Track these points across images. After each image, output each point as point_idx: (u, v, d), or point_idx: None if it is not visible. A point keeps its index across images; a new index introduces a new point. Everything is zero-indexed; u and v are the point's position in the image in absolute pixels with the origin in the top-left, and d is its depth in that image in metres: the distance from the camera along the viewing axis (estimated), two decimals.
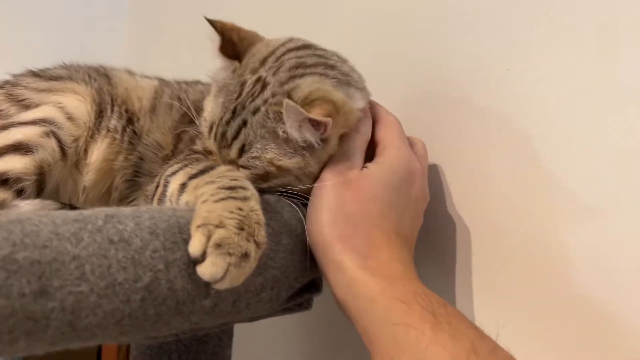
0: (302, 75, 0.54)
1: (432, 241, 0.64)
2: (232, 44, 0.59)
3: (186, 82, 0.76)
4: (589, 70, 0.51)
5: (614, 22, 0.50)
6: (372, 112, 0.59)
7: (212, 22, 0.59)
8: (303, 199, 0.55)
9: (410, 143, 0.59)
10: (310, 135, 0.51)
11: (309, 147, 0.53)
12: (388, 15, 0.75)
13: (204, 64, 0.61)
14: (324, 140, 0.53)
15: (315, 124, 0.51)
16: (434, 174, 0.64)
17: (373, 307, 0.46)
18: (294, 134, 0.52)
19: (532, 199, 0.55)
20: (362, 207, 0.51)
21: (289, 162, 0.53)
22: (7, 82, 0.68)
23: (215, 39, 0.59)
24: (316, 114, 0.50)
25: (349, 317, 0.49)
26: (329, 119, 0.50)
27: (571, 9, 0.53)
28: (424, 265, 0.56)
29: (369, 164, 0.55)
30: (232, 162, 0.56)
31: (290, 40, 0.60)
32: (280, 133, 0.52)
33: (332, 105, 0.51)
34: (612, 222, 0.49)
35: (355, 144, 0.55)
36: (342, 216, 0.51)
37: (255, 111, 0.54)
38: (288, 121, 0.51)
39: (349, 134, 0.56)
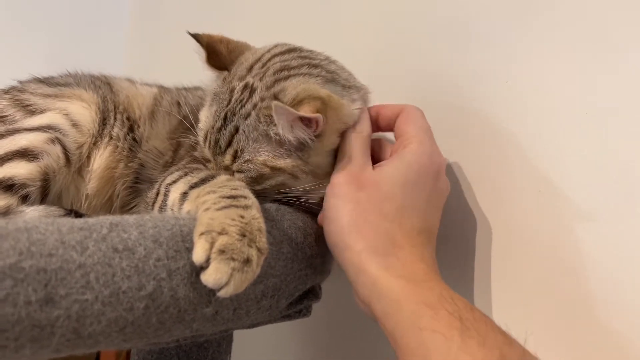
0: (286, 78, 0.56)
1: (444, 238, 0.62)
2: (220, 55, 0.61)
3: (185, 89, 0.77)
4: (587, 81, 0.52)
5: (611, 35, 0.51)
6: (391, 104, 0.59)
7: (196, 36, 0.60)
8: (303, 202, 0.56)
9: None
10: (303, 134, 0.52)
11: (302, 145, 0.54)
12: (389, 27, 0.75)
13: (204, 71, 0.62)
14: (318, 137, 0.54)
15: (306, 121, 0.52)
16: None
17: (399, 311, 0.45)
18: (287, 134, 0.52)
19: (537, 203, 0.56)
20: (378, 207, 0.51)
21: (283, 162, 0.54)
22: (13, 88, 0.69)
23: (201, 52, 0.60)
24: (305, 111, 0.51)
25: (373, 317, 0.49)
26: (318, 115, 0.51)
27: (570, 22, 0.54)
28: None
29: (384, 162, 0.54)
30: (227, 168, 0.57)
31: (276, 46, 0.61)
32: (273, 135, 0.53)
33: (320, 101, 0.52)
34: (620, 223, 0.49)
35: (353, 143, 0.55)
36: (359, 216, 0.50)
37: (246, 116, 0.55)
38: (279, 122, 0.52)
39: (346, 133, 0.56)
